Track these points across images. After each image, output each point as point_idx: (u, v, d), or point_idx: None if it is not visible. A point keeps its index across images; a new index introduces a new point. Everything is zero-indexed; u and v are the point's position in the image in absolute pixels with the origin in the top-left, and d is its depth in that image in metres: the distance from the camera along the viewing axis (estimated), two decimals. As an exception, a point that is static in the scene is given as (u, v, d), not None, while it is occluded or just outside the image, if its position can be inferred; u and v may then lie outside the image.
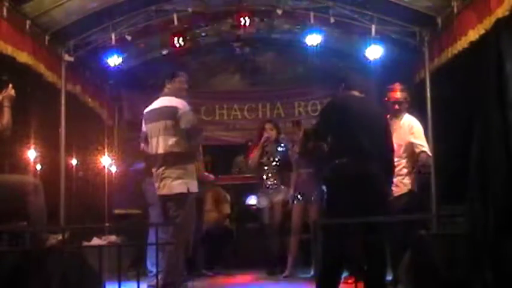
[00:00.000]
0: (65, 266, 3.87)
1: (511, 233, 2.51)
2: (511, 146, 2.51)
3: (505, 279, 2.50)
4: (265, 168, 6.73)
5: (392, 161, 4.49)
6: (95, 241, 6.17)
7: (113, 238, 6.79)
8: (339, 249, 4.09)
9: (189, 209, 4.80)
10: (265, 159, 6.74)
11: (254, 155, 6.74)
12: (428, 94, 6.79)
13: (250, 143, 7.10)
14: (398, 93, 5.36)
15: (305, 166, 6.55)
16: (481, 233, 2.57)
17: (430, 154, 5.30)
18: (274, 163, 6.72)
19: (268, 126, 6.83)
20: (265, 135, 6.71)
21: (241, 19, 6.92)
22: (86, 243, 5.65)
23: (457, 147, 5.55)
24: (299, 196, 6.49)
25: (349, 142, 4.23)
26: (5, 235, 4.29)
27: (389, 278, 4.78)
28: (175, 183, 4.75)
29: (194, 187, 4.83)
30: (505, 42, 2.58)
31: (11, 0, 5.56)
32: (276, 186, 6.71)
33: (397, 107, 5.30)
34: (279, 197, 6.69)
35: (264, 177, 6.73)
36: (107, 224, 7.23)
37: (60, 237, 4.32)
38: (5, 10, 5.47)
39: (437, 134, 6.58)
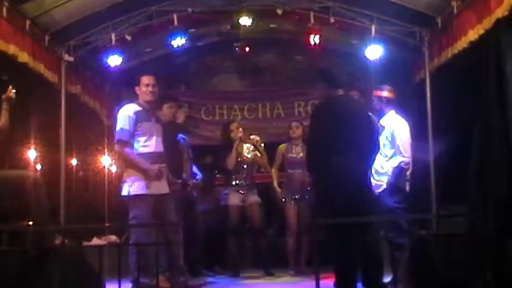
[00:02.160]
0: (65, 266, 3.87)
1: (511, 233, 2.51)
2: (511, 146, 2.51)
3: (505, 279, 2.50)
4: (240, 167, 6.69)
5: (371, 160, 4.69)
6: (95, 241, 6.17)
7: (113, 238, 6.78)
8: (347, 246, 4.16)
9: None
10: (239, 159, 6.70)
11: (231, 157, 6.68)
12: (428, 94, 6.79)
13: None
14: (384, 92, 5.51)
15: (295, 167, 6.58)
16: (481, 233, 2.57)
17: (406, 162, 5.33)
18: (247, 163, 6.72)
19: (234, 125, 6.82)
20: (238, 135, 6.68)
21: (242, 19, 6.92)
22: (86, 243, 5.65)
23: (457, 147, 5.56)
24: (295, 196, 6.53)
25: (338, 142, 4.30)
26: (5, 235, 4.28)
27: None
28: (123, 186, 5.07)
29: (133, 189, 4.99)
30: (505, 43, 2.58)
31: (10, 0, 5.56)
32: (249, 186, 6.70)
33: (380, 104, 5.49)
34: (253, 198, 6.69)
35: (238, 177, 6.68)
36: (106, 224, 7.22)
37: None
38: (4, 10, 5.47)
39: (437, 134, 6.58)
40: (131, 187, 4.96)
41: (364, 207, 4.28)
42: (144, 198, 4.95)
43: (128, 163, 5.06)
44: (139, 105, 5.14)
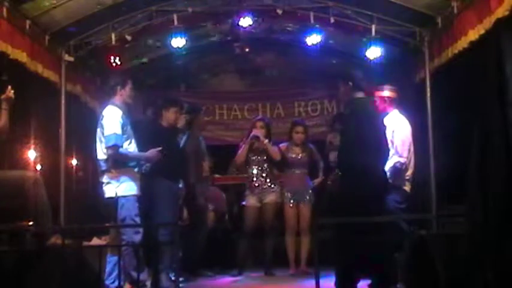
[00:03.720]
0: (65, 266, 3.88)
1: (511, 233, 2.51)
2: (511, 146, 2.51)
3: (505, 279, 2.50)
4: (255, 167, 6.68)
5: (386, 161, 4.89)
6: (95, 241, 6.17)
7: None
8: (354, 248, 4.20)
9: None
10: (254, 157, 6.69)
11: (240, 153, 6.68)
12: (428, 94, 6.78)
13: (241, 143, 7.01)
14: (386, 92, 5.57)
15: (295, 166, 6.57)
16: (481, 233, 2.57)
17: (402, 162, 5.34)
18: (264, 162, 6.68)
19: (258, 124, 6.78)
20: (253, 132, 6.67)
21: (241, 19, 6.92)
22: (86, 243, 5.65)
23: (457, 147, 5.56)
24: (294, 196, 6.53)
25: (366, 144, 4.41)
26: (5, 235, 4.28)
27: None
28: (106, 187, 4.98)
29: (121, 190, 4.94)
30: (505, 43, 2.58)
31: (11, 0, 5.55)
32: (266, 185, 6.67)
33: (383, 104, 5.54)
34: (270, 197, 6.65)
35: (254, 177, 6.67)
36: (106, 224, 7.22)
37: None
38: (4, 10, 5.46)
39: (437, 134, 6.58)
40: (118, 188, 4.93)
41: (382, 208, 4.50)
42: (133, 199, 4.95)
43: (128, 159, 5.02)
44: (120, 108, 5.08)
